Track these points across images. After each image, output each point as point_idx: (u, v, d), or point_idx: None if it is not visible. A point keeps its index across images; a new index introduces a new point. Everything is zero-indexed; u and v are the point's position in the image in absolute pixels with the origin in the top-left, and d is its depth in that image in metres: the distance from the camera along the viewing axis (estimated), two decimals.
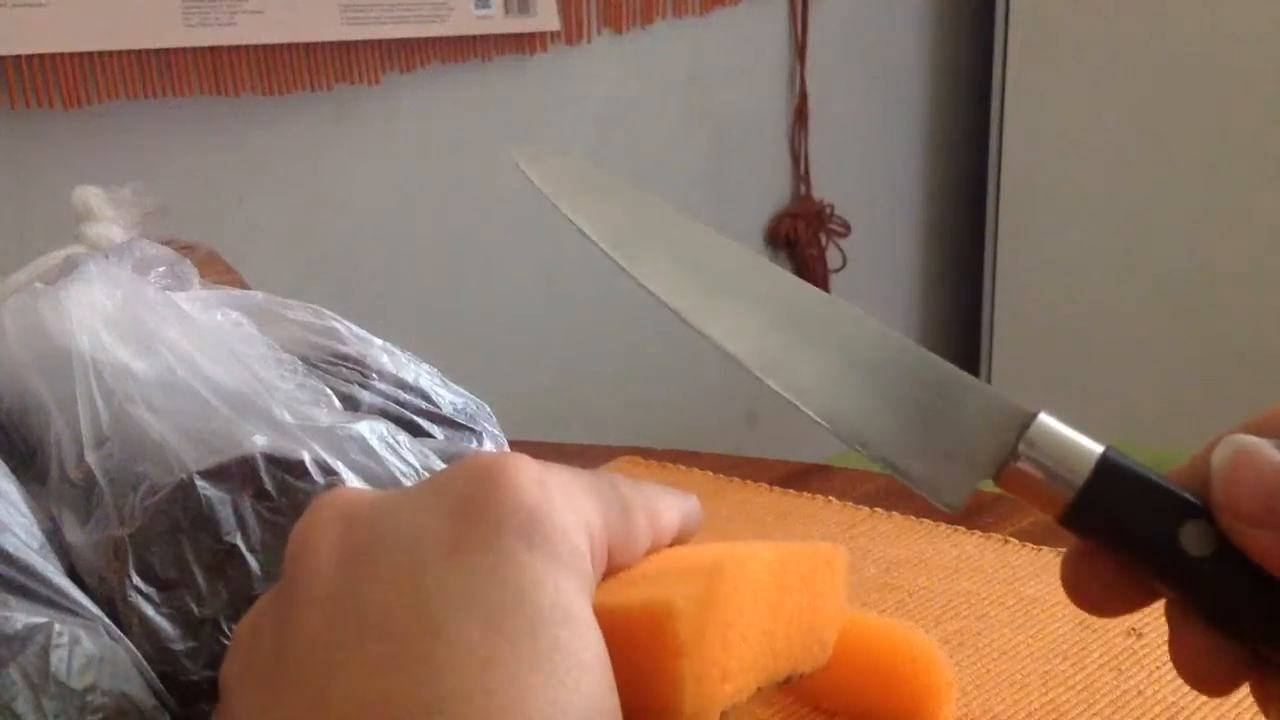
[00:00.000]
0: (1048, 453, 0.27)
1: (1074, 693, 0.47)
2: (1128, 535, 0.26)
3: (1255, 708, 0.44)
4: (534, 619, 0.23)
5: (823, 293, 0.31)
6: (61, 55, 1.00)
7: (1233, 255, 1.78)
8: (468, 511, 0.24)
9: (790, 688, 0.49)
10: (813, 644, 0.32)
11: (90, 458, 0.37)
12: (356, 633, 0.23)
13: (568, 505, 0.25)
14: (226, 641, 0.35)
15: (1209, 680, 0.27)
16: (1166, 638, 0.29)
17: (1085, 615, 0.55)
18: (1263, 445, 0.25)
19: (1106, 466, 0.27)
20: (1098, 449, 0.27)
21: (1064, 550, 0.28)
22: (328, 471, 0.37)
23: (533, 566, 0.23)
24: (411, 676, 0.22)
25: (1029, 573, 0.58)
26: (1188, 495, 0.26)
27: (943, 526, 0.63)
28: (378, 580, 0.24)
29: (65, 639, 0.32)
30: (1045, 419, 0.28)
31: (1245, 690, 0.29)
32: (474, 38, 1.32)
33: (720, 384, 1.77)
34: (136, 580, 0.36)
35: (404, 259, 1.36)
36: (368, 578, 0.24)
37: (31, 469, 0.39)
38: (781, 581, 0.31)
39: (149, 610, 0.36)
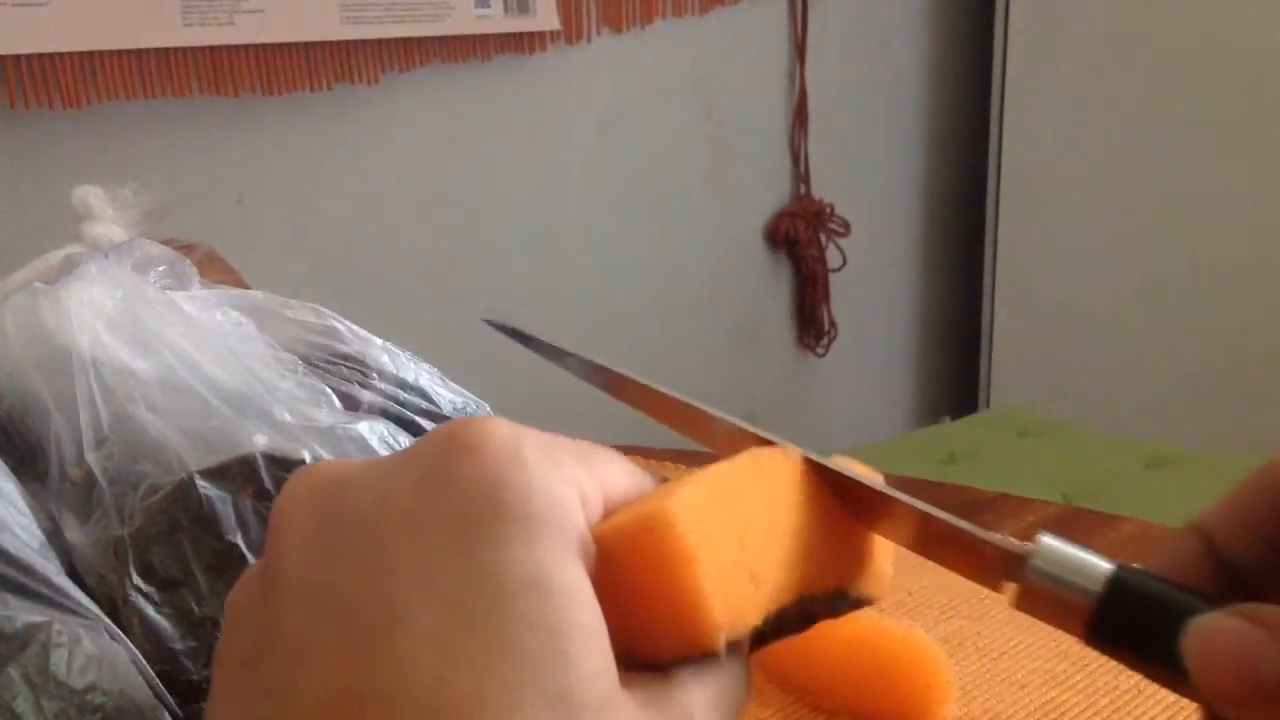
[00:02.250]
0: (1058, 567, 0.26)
1: (1074, 692, 0.47)
2: (1141, 652, 0.25)
3: None
4: (500, 596, 0.21)
5: None
6: (61, 55, 1.00)
7: (1233, 255, 1.78)
8: (432, 482, 0.23)
9: (790, 686, 0.49)
10: (852, 556, 0.30)
11: (90, 457, 0.37)
12: (323, 620, 0.22)
13: (546, 462, 0.24)
14: None
15: None
16: None
17: None
18: (1228, 626, 0.24)
19: (1119, 582, 0.25)
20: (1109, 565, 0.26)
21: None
22: None
23: (500, 537, 0.22)
24: (373, 667, 0.21)
25: None
26: (1195, 600, 0.25)
27: None
28: (343, 562, 0.23)
29: (65, 638, 0.32)
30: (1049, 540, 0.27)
31: None
32: (473, 37, 1.32)
33: (720, 384, 1.77)
34: (137, 580, 0.36)
35: (404, 258, 1.36)
36: (334, 560, 0.23)
37: (31, 469, 0.39)
38: (772, 475, 0.29)
39: (149, 610, 0.36)
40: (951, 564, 0.29)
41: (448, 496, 0.23)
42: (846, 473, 0.29)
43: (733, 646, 0.26)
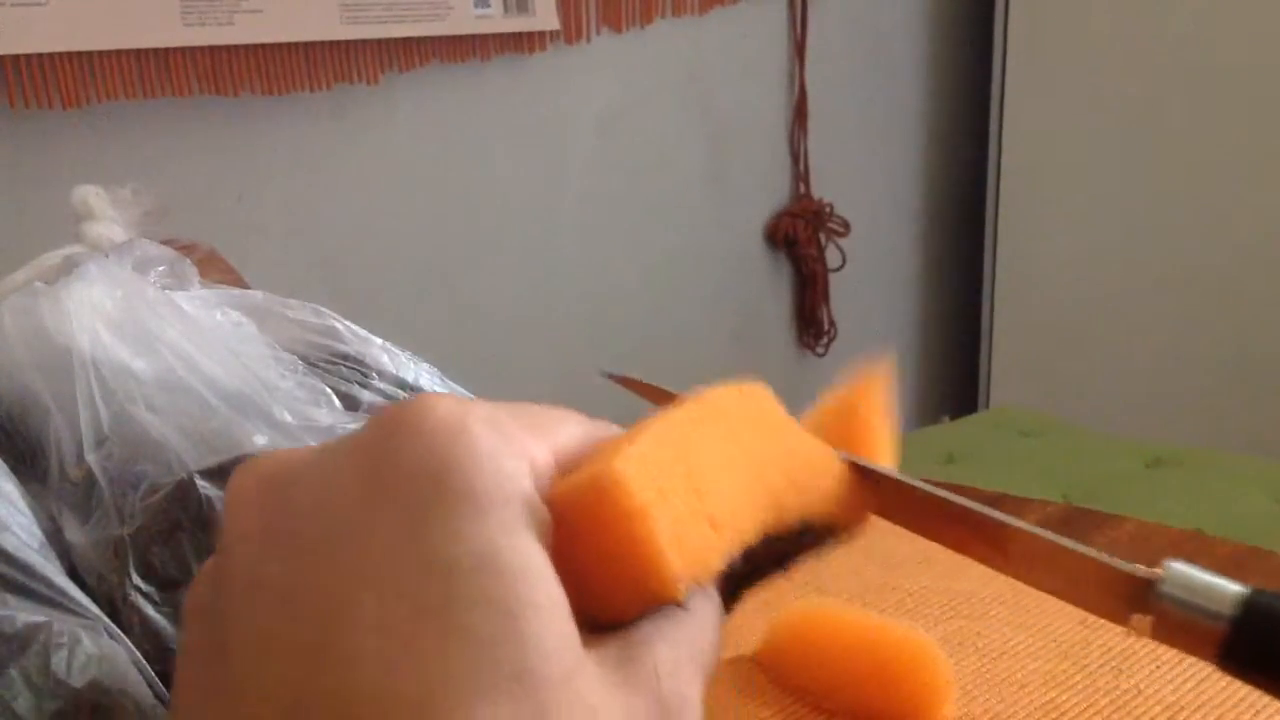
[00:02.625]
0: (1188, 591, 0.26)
1: (1074, 692, 0.47)
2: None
3: (1255, 708, 0.44)
4: (450, 580, 0.21)
5: None
6: (61, 55, 1.00)
7: (1233, 255, 1.77)
8: (377, 463, 0.22)
9: (790, 686, 0.49)
10: (816, 480, 0.29)
11: (90, 457, 0.37)
12: (273, 618, 0.22)
13: (492, 435, 0.23)
14: None
15: None
16: None
17: (1085, 614, 0.55)
18: None
19: (1252, 605, 0.25)
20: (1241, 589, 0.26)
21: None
22: None
23: (446, 519, 0.21)
24: (324, 664, 0.20)
25: None
26: None
27: None
28: (290, 557, 0.22)
29: (65, 639, 0.32)
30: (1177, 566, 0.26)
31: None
32: (473, 37, 1.32)
33: (717, 382, 1.76)
34: (137, 580, 0.36)
35: (403, 258, 1.36)
36: (281, 555, 0.22)
37: (31, 469, 0.39)
38: (723, 416, 0.28)
39: (149, 609, 0.36)
40: (1064, 591, 0.28)
41: (390, 482, 0.22)
42: (956, 500, 0.28)
43: (700, 598, 0.25)
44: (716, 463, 0.26)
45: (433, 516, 0.21)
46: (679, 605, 0.24)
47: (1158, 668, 0.48)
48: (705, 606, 0.26)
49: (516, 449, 0.23)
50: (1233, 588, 0.25)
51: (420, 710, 0.20)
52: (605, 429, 0.27)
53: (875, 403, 0.33)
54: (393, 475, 0.22)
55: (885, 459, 0.32)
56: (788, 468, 0.28)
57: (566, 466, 0.25)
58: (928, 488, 0.28)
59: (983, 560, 0.28)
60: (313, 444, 0.39)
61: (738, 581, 0.28)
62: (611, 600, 0.24)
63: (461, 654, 0.20)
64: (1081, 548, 0.27)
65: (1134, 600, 0.26)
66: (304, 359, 0.45)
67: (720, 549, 0.25)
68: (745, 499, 0.27)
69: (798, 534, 0.28)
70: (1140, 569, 0.26)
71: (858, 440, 0.32)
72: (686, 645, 0.24)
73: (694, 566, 0.24)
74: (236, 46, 1.11)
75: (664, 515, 0.24)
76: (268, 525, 0.23)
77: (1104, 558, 0.27)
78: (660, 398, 0.33)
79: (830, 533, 0.30)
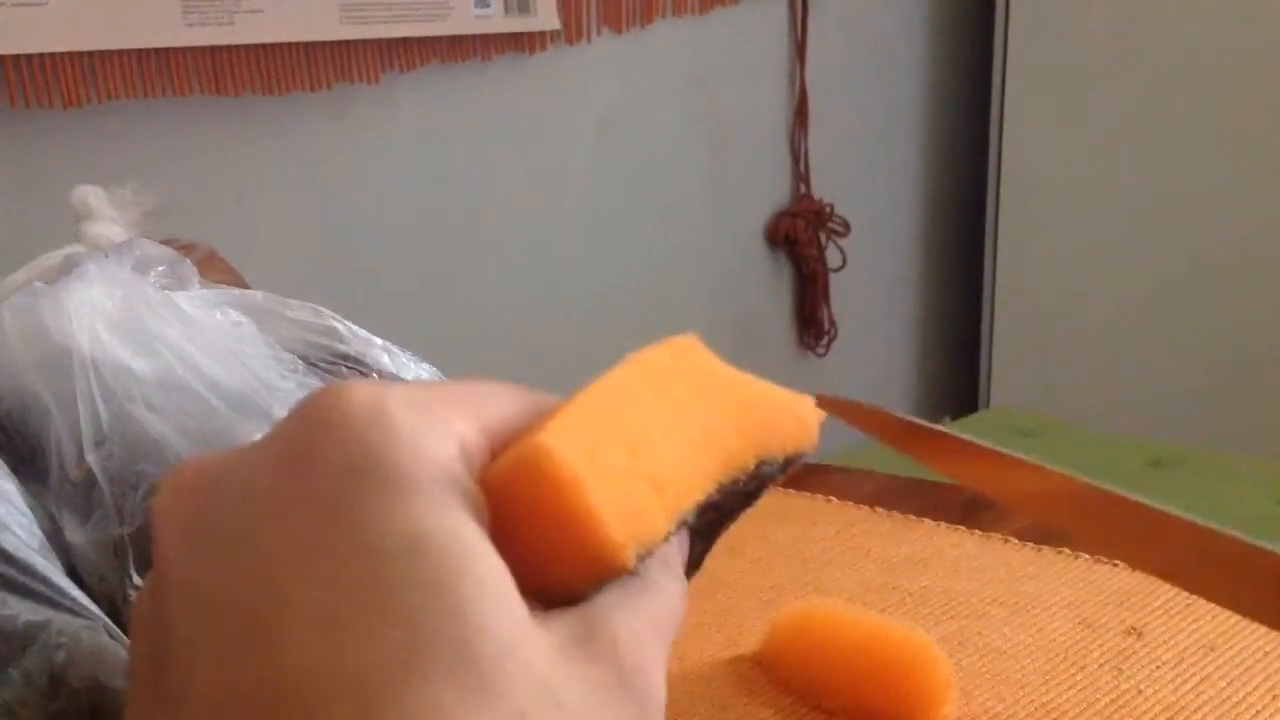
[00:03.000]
0: None
1: (1074, 692, 0.47)
2: None
3: (1255, 708, 0.44)
4: (378, 563, 0.21)
5: None
6: (61, 55, 1.00)
7: (1233, 255, 1.77)
8: (296, 459, 0.22)
9: (790, 686, 0.49)
10: (767, 421, 0.29)
11: (90, 457, 0.37)
12: (207, 621, 0.21)
13: (414, 417, 0.23)
14: None
15: None
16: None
17: (1085, 614, 0.55)
18: None
19: None
20: None
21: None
22: None
23: (370, 505, 0.21)
24: (259, 657, 0.20)
25: (1029, 572, 0.58)
26: None
27: (943, 526, 0.63)
28: (218, 558, 0.22)
29: (66, 638, 0.32)
30: None
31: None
32: (473, 37, 1.32)
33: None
34: (137, 579, 0.36)
35: (404, 258, 1.36)
36: (209, 556, 0.22)
37: (31, 469, 0.39)
38: (657, 376, 0.28)
39: None
40: (1212, 590, 0.25)
41: (312, 474, 0.22)
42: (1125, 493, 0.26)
43: (658, 568, 0.25)
44: (653, 423, 0.26)
45: (356, 502, 0.21)
46: (631, 573, 0.24)
47: (1158, 668, 0.48)
48: (664, 576, 0.25)
49: (441, 429, 0.23)
50: None
51: (357, 692, 0.20)
52: (541, 400, 0.26)
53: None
54: (312, 465, 0.22)
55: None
56: (730, 415, 0.28)
57: (503, 441, 0.25)
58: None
59: (1148, 568, 0.25)
60: None
61: (705, 532, 0.28)
62: (562, 575, 0.23)
63: (396, 634, 0.20)
64: (1232, 534, 0.25)
65: None
66: (304, 359, 0.45)
67: (667, 510, 0.25)
68: (689, 455, 0.26)
69: (752, 474, 0.28)
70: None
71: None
72: (646, 616, 0.24)
73: (639, 530, 0.24)
74: (237, 46, 1.11)
75: (599, 482, 0.23)
76: (195, 528, 0.23)
77: (1242, 538, 0.24)
78: (876, 420, 0.32)
79: (789, 461, 0.29)
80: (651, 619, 0.24)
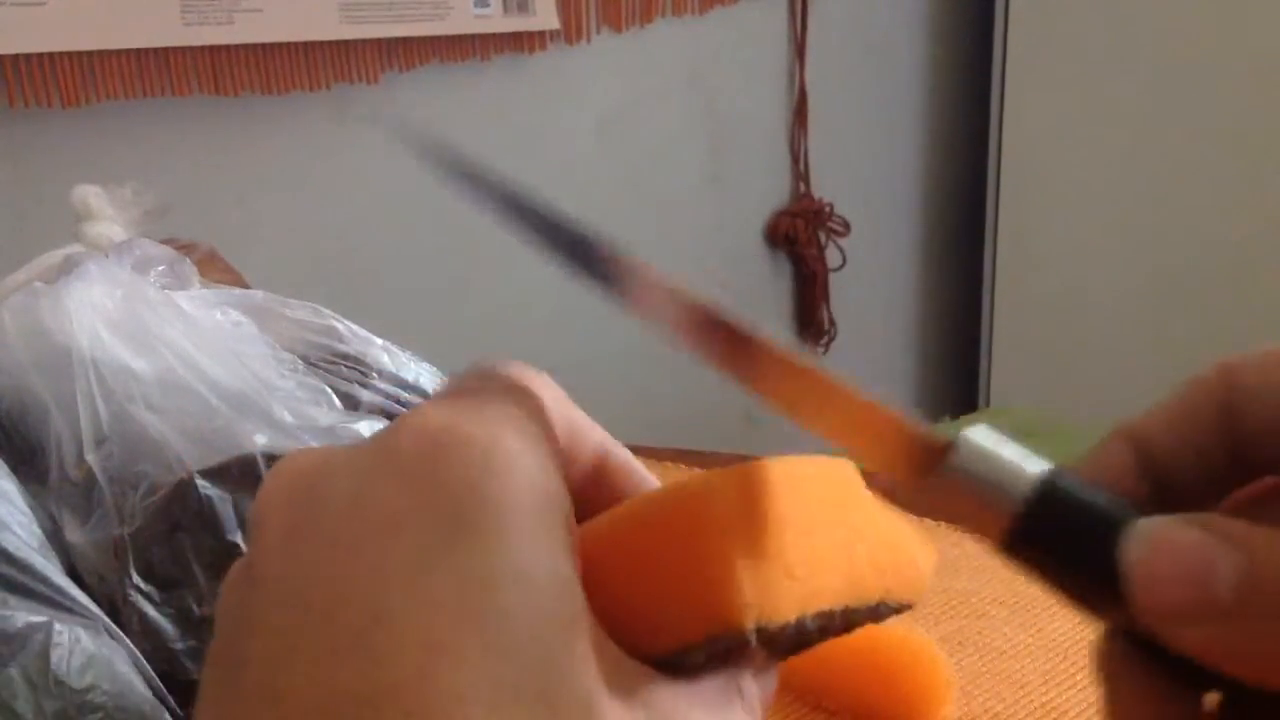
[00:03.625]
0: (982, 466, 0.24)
1: (1074, 691, 0.47)
2: (1075, 563, 0.23)
3: None
4: (484, 593, 0.21)
5: None
6: (60, 54, 1.00)
7: (1233, 254, 1.77)
8: (413, 482, 0.22)
9: (790, 686, 0.49)
10: (899, 564, 0.28)
11: (90, 457, 0.37)
12: (302, 618, 0.22)
13: (527, 448, 0.23)
14: None
15: None
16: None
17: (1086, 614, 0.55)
18: (1179, 531, 0.22)
19: (1048, 488, 0.23)
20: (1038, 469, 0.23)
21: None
22: None
23: (484, 535, 0.21)
24: (354, 667, 0.20)
25: None
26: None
27: (943, 526, 0.63)
28: (322, 561, 0.22)
29: (65, 638, 0.32)
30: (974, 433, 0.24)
31: None
32: (473, 37, 1.32)
33: (720, 384, 1.76)
34: (137, 579, 0.36)
35: (403, 258, 1.36)
36: (312, 558, 0.22)
37: (32, 468, 0.39)
38: (823, 483, 0.27)
39: (149, 609, 0.36)
40: (856, 446, 0.26)
41: (429, 496, 0.22)
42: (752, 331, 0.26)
43: (754, 685, 0.25)
44: (796, 523, 0.26)
45: (471, 532, 0.22)
46: (744, 638, 0.23)
47: None
48: (749, 714, 0.25)
49: (549, 453, 0.23)
50: (1032, 468, 0.23)
51: (446, 716, 0.20)
52: (559, 401, 0.27)
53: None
54: (430, 491, 0.22)
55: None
56: (870, 546, 0.28)
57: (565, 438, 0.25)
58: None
59: (795, 415, 0.26)
60: (315, 444, 0.39)
61: (799, 643, 0.28)
62: (669, 625, 0.23)
63: (491, 665, 0.20)
64: (876, 398, 0.25)
65: (925, 466, 0.25)
66: (304, 359, 0.45)
67: (795, 599, 0.24)
68: (826, 562, 0.26)
69: (874, 607, 0.27)
70: (935, 434, 0.25)
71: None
72: (726, 711, 0.24)
73: (765, 604, 0.23)
74: (236, 46, 1.11)
75: (743, 542, 0.23)
76: (300, 527, 0.23)
77: (901, 413, 0.25)
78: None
79: (902, 607, 0.29)
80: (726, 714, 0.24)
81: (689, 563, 0.23)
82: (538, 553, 0.22)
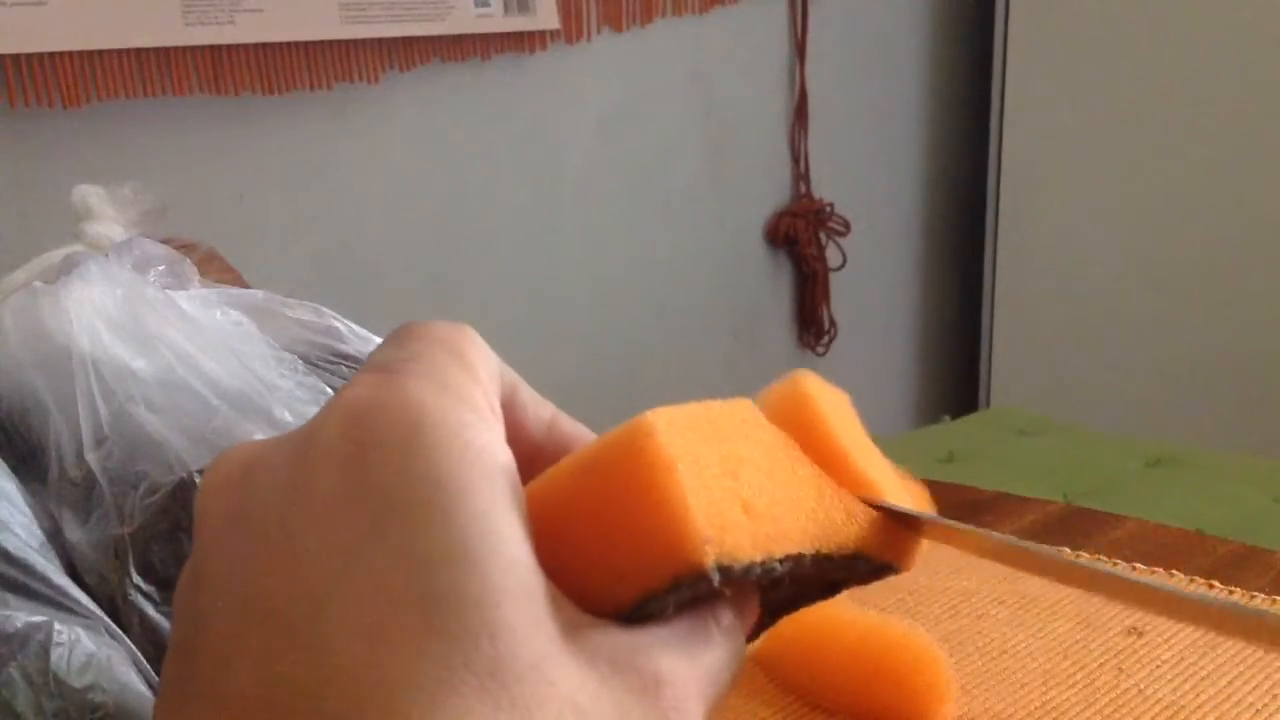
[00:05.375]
0: None
1: (1074, 691, 0.47)
2: None
3: (1254, 708, 0.44)
4: (421, 573, 0.20)
5: None
6: (61, 54, 1.00)
7: (1233, 255, 1.77)
8: (340, 460, 0.22)
9: (790, 686, 0.49)
10: (880, 522, 0.27)
11: (90, 457, 0.37)
12: (244, 615, 0.21)
13: (457, 410, 0.22)
14: None
15: None
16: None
17: (1086, 614, 0.55)
18: None
19: None
20: None
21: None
22: None
23: (416, 513, 0.21)
24: (297, 660, 0.20)
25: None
26: None
27: None
28: (258, 554, 0.22)
29: (65, 638, 0.32)
30: None
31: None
32: (473, 36, 1.32)
33: (720, 384, 1.76)
34: (137, 579, 0.36)
35: (404, 257, 1.36)
36: (247, 549, 0.22)
37: (31, 468, 0.39)
38: (789, 419, 0.26)
39: (149, 609, 0.36)
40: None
41: (359, 479, 0.21)
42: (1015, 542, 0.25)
43: (725, 631, 0.24)
44: (764, 460, 0.25)
45: (403, 512, 0.21)
46: (707, 578, 0.22)
47: (1157, 668, 0.48)
48: (724, 637, 0.24)
49: (485, 416, 0.23)
50: None
51: (393, 704, 0.20)
52: (490, 361, 0.25)
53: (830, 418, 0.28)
54: (358, 467, 0.22)
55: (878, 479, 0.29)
56: (840, 493, 0.27)
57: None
58: (983, 533, 0.25)
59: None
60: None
61: (772, 609, 0.27)
62: (631, 571, 0.22)
63: (434, 645, 0.20)
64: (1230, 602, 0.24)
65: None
66: (304, 359, 0.45)
67: (756, 539, 0.23)
68: (792, 505, 0.25)
69: (850, 558, 0.26)
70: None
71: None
72: (698, 665, 0.23)
73: (724, 541, 0.23)
74: (237, 46, 1.11)
75: (693, 476, 0.22)
76: (236, 522, 0.23)
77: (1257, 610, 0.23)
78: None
79: (886, 568, 0.28)
80: (703, 671, 0.23)
81: (642, 503, 0.22)
82: (476, 526, 0.21)
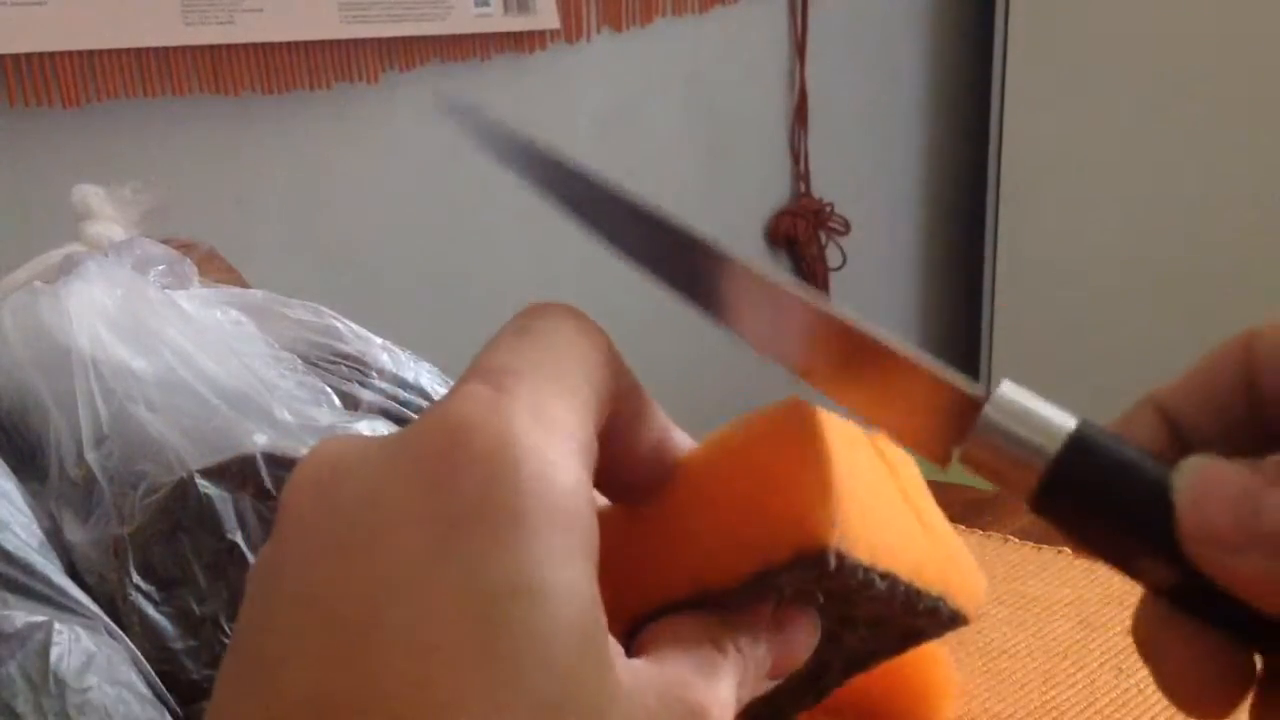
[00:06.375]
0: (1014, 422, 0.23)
1: (1075, 691, 0.47)
2: (1113, 511, 0.23)
3: None
4: (487, 601, 0.20)
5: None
6: (61, 54, 1.00)
7: (1233, 255, 1.78)
8: (423, 481, 0.22)
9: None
10: (958, 570, 0.27)
11: (90, 456, 0.37)
12: (308, 618, 0.21)
13: (543, 445, 0.22)
14: (226, 640, 0.35)
15: (1209, 695, 0.24)
16: None
17: (1086, 614, 0.55)
18: (1225, 467, 0.23)
19: (1081, 439, 0.23)
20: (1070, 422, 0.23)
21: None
22: None
23: (491, 540, 0.21)
24: (350, 671, 0.20)
25: (1029, 571, 0.58)
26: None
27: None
28: (332, 559, 0.22)
29: (65, 637, 0.32)
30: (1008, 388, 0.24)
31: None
32: (473, 36, 1.32)
33: (720, 383, 1.77)
34: (137, 579, 0.36)
35: (404, 257, 1.36)
36: (321, 552, 0.22)
37: (31, 468, 0.39)
38: (889, 462, 0.27)
39: (149, 609, 0.36)
40: (893, 412, 0.25)
41: (440, 499, 0.21)
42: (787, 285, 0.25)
43: (750, 642, 0.24)
44: (870, 476, 0.25)
45: (478, 536, 0.21)
46: (825, 556, 0.22)
47: None
48: (751, 664, 0.25)
49: (568, 451, 0.22)
50: (1063, 421, 0.23)
51: None
52: (607, 361, 0.25)
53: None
54: (439, 492, 0.22)
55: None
56: (930, 540, 0.27)
57: (606, 409, 0.24)
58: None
59: (817, 381, 0.25)
60: (315, 444, 0.39)
61: (854, 656, 0.27)
62: (752, 544, 0.23)
63: (490, 674, 0.20)
64: (912, 353, 0.25)
65: (958, 427, 0.24)
66: (304, 359, 0.45)
67: (867, 542, 0.24)
68: (893, 526, 0.25)
69: (934, 602, 0.26)
70: (973, 386, 0.24)
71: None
72: (731, 692, 0.24)
73: (845, 529, 0.23)
74: (237, 46, 1.11)
75: (830, 470, 0.23)
76: (317, 523, 0.22)
77: (935, 366, 0.24)
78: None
79: (958, 618, 0.27)
80: (733, 695, 0.24)
81: (790, 470, 0.23)
82: (543, 563, 0.21)
